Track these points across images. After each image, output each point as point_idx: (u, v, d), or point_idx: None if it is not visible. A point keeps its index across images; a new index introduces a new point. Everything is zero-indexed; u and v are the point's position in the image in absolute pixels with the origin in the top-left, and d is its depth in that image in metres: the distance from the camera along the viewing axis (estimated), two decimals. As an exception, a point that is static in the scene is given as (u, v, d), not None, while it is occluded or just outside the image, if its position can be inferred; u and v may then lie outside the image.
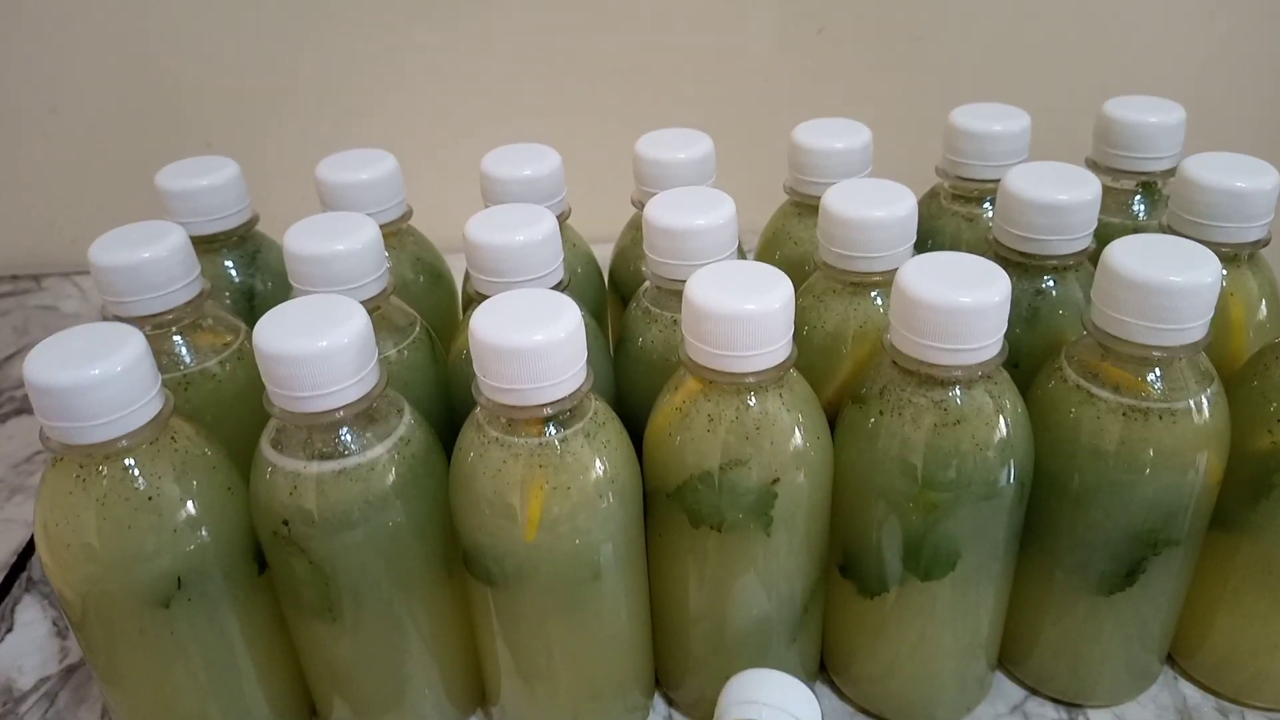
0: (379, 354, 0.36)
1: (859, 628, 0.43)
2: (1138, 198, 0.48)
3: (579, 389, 0.35)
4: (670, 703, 0.46)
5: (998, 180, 0.43)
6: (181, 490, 0.36)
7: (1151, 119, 0.47)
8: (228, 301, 0.49)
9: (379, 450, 0.36)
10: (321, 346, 0.34)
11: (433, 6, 0.73)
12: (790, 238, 0.50)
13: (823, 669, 0.46)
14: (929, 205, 0.50)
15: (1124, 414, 0.37)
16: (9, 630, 0.50)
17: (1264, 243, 0.42)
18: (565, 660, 0.40)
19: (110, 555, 0.35)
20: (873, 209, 0.40)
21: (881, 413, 0.38)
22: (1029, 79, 0.71)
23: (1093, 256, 0.39)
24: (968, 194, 0.49)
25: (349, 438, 0.36)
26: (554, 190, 0.49)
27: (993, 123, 0.47)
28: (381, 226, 0.43)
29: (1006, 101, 0.49)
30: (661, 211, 0.41)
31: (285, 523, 0.36)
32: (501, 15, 0.74)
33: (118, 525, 0.35)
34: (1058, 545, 0.41)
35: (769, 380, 0.36)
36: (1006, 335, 0.36)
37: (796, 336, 0.37)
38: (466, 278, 0.44)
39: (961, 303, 0.34)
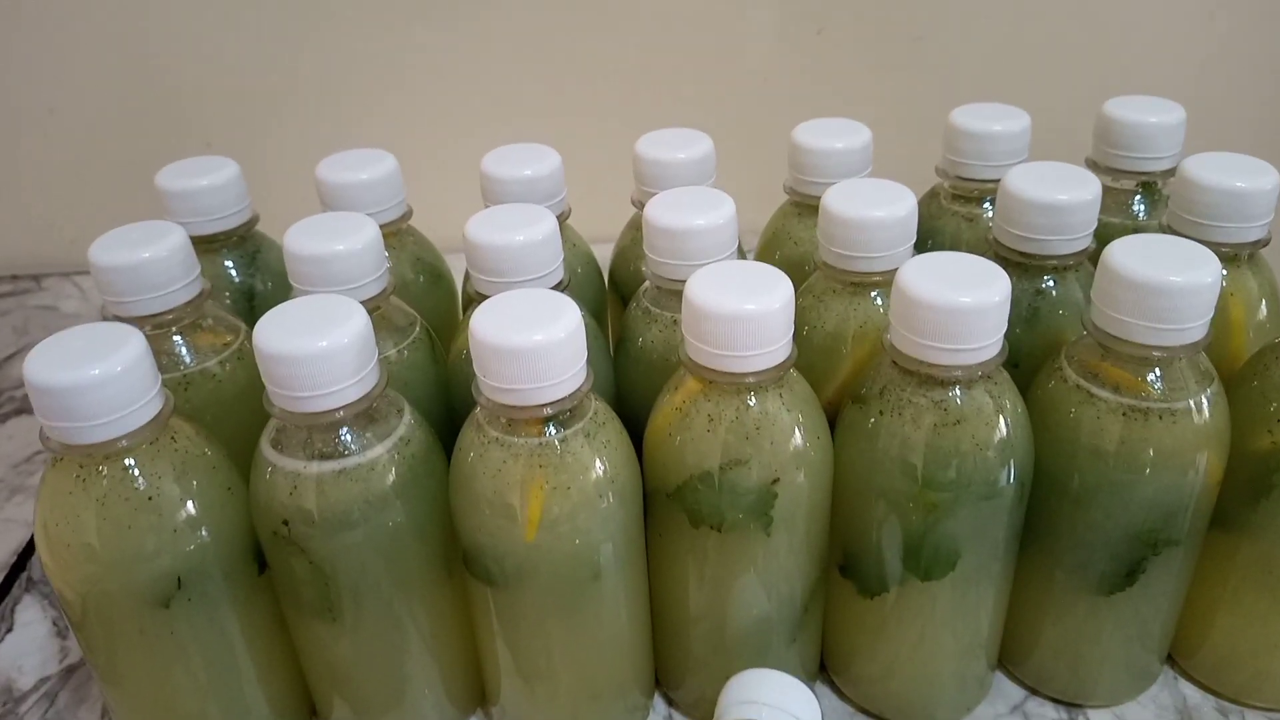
0: (379, 354, 0.36)
1: (859, 628, 0.43)
2: (1138, 198, 0.48)
3: (579, 389, 0.35)
4: (670, 703, 0.46)
5: (998, 180, 0.43)
6: (181, 490, 0.36)
7: (1151, 119, 0.47)
8: (228, 301, 0.49)
9: (379, 450, 0.36)
10: (321, 347, 0.34)
11: (432, 7, 0.73)
12: (790, 238, 0.50)
13: (823, 669, 0.46)
14: (929, 205, 0.50)
15: (1124, 414, 0.37)
16: (9, 630, 0.50)
17: (1264, 243, 0.42)
18: (565, 660, 0.40)
19: (110, 555, 0.35)
20: (873, 209, 0.40)
21: (881, 413, 0.38)
22: (1029, 79, 0.71)
23: (1093, 256, 0.39)
24: (968, 194, 0.49)
25: (349, 438, 0.36)
26: (554, 190, 0.49)
27: (993, 123, 0.47)
28: (381, 226, 0.43)
29: (1006, 101, 0.49)
30: (661, 211, 0.41)
31: (285, 523, 0.36)
32: (501, 15, 0.74)
33: (118, 525, 0.35)
34: (1058, 545, 0.41)
35: (769, 380, 0.36)
36: (1006, 335, 0.36)
37: (796, 336, 0.37)
38: (466, 278, 0.44)
39: (961, 303, 0.34)
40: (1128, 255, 0.36)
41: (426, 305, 0.49)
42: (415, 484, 0.37)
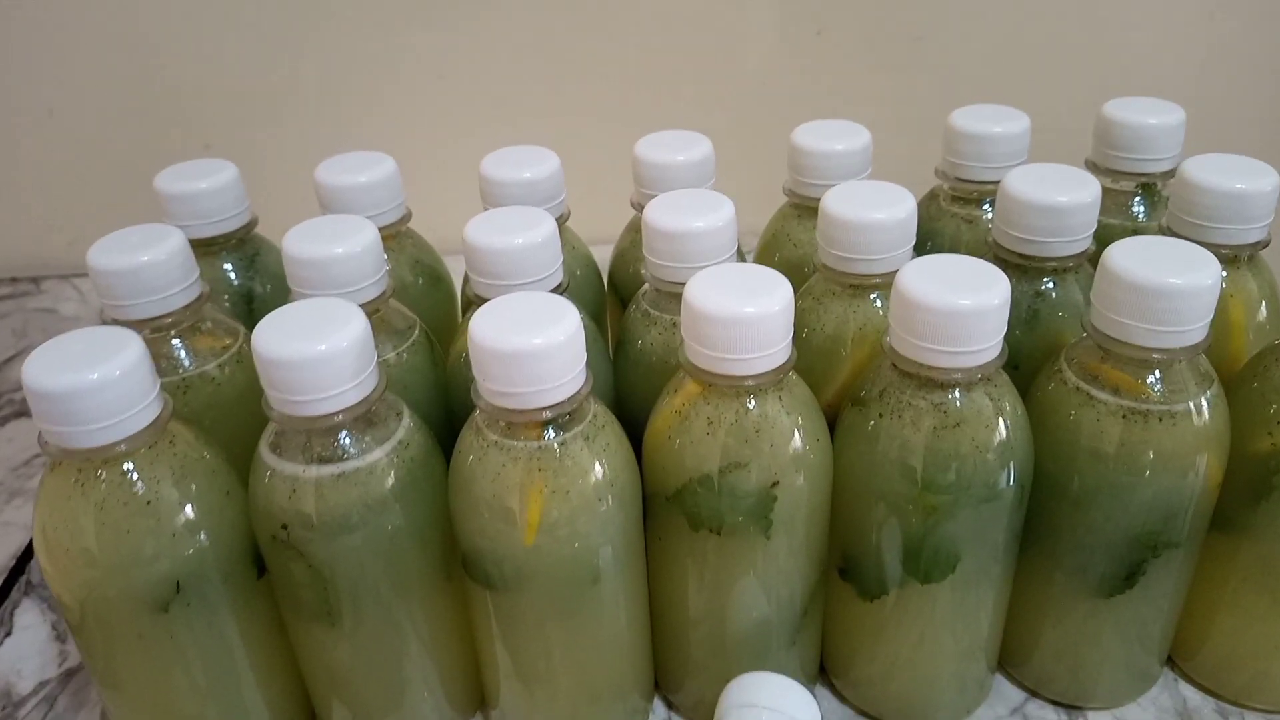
0: (378, 357, 0.36)
1: (859, 630, 0.43)
2: (1137, 199, 0.48)
3: (578, 392, 0.35)
4: (670, 706, 0.46)
5: (997, 182, 0.43)
6: (180, 494, 0.36)
7: (1151, 120, 0.46)
8: (226, 304, 0.49)
9: (378, 454, 0.36)
10: (320, 350, 0.34)
11: (431, 9, 0.73)
12: (790, 239, 0.50)
13: (822, 672, 0.46)
14: (928, 207, 0.50)
15: (1124, 416, 0.37)
16: (8, 634, 0.50)
17: (1264, 244, 0.42)
18: (565, 664, 0.40)
19: (109, 560, 0.35)
20: (872, 211, 0.40)
21: (881, 415, 0.38)
22: (1028, 80, 0.71)
23: (1092, 258, 0.39)
24: (967, 196, 0.49)
25: (348, 441, 0.36)
26: (553, 192, 0.49)
27: (992, 124, 0.47)
28: (381, 229, 0.43)
29: (1006, 103, 0.49)
30: (661, 214, 0.41)
31: (284, 526, 0.36)
32: (500, 17, 0.74)
33: (116, 530, 0.35)
34: (1058, 547, 0.41)
35: (768, 383, 0.36)
36: (1006, 337, 0.36)
37: (796, 339, 0.37)
38: (466, 280, 0.44)
39: (961, 305, 0.34)
40: (1127, 257, 0.36)
41: (426, 308, 0.49)
42: (414, 488, 0.37)
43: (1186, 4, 0.74)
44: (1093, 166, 0.48)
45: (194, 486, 0.36)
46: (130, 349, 0.34)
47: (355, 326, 0.35)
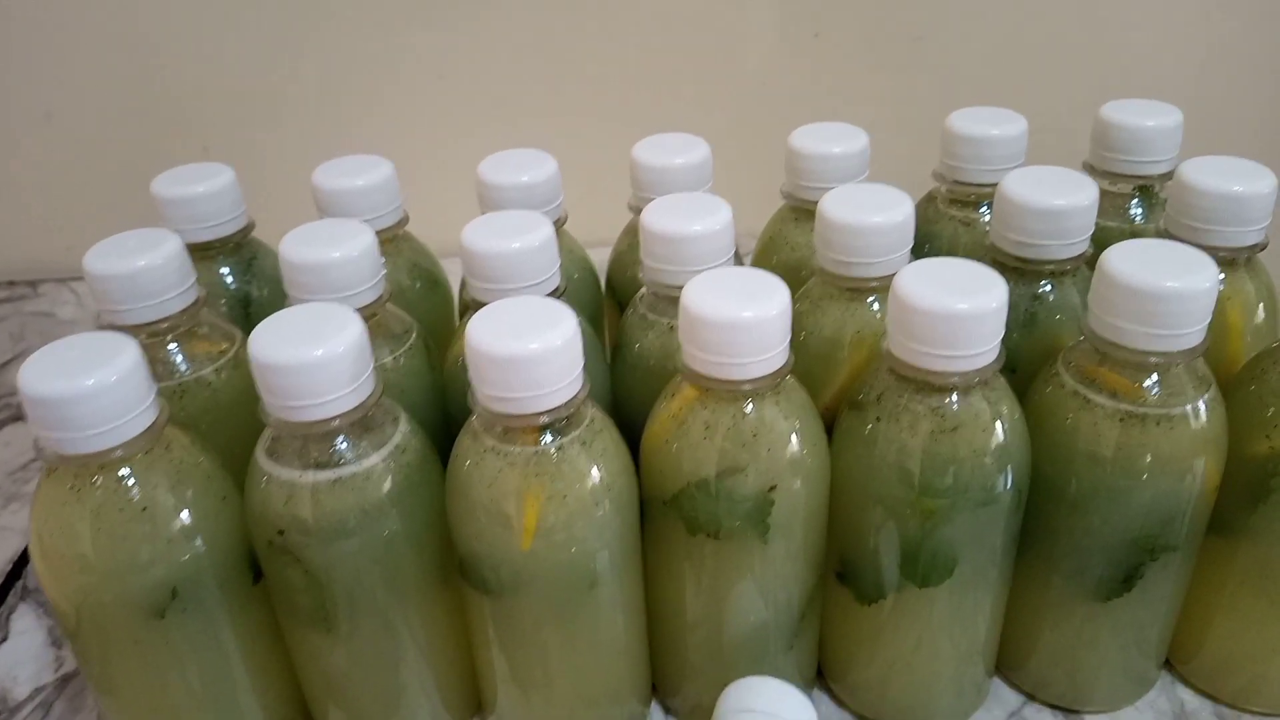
0: (375, 361, 0.36)
1: (856, 634, 0.43)
2: (1135, 201, 0.48)
3: (575, 397, 0.35)
4: (667, 710, 0.46)
5: (995, 184, 0.43)
6: (176, 500, 0.35)
7: (1148, 122, 0.46)
8: (223, 308, 0.49)
9: (375, 459, 0.36)
10: (317, 356, 0.34)
11: (428, 12, 0.73)
12: (787, 242, 0.50)
13: (820, 676, 0.46)
14: (926, 209, 0.50)
15: (1121, 419, 0.37)
16: (4, 639, 0.50)
17: (1261, 247, 0.42)
18: (562, 668, 0.40)
19: (105, 566, 0.35)
20: (870, 214, 0.40)
21: (879, 419, 0.38)
22: (1026, 83, 0.71)
23: (1090, 261, 0.39)
24: (965, 198, 0.49)
25: (345, 446, 0.36)
26: (551, 196, 0.49)
27: (990, 127, 0.47)
28: (378, 232, 0.43)
29: (1004, 105, 0.49)
30: (658, 217, 0.41)
31: (280, 532, 0.36)
32: (498, 20, 0.74)
33: (112, 536, 0.35)
34: (1055, 551, 0.41)
35: (766, 387, 0.36)
36: (1003, 340, 0.36)
37: (793, 342, 0.36)
38: (463, 283, 0.44)
39: (959, 309, 0.34)
40: (1125, 261, 0.36)
41: (423, 311, 0.49)
42: (411, 493, 0.37)
43: (1184, 6, 0.74)
44: (1090, 169, 0.48)
45: (190, 492, 0.36)
46: (126, 354, 0.34)
47: (352, 331, 0.35)
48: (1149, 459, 0.37)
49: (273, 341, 0.34)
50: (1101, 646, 0.42)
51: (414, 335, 0.44)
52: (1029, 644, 0.44)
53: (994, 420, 0.37)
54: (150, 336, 0.40)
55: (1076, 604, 0.41)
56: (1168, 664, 0.46)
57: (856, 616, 0.42)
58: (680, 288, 0.36)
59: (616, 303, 0.53)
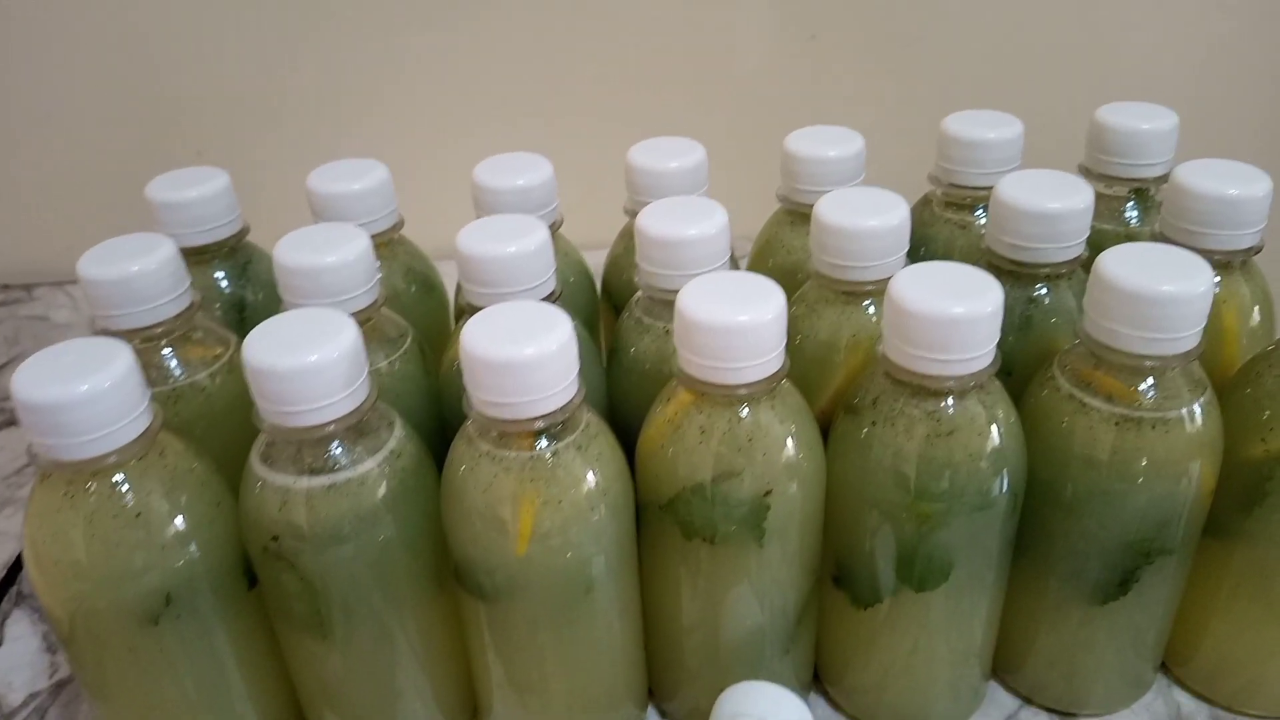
0: (370, 366, 0.36)
1: (853, 638, 0.43)
2: (1130, 204, 0.48)
3: (570, 402, 0.35)
4: (663, 715, 0.46)
5: (990, 187, 0.43)
6: (170, 506, 0.35)
7: (1144, 125, 0.46)
8: (218, 313, 0.49)
9: (370, 464, 0.36)
10: (311, 361, 0.33)
11: (423, 16, 0.73)
12: (783, 246, 0.50)
13: (816, 680, 0.46)
14: (922, 212, 0.50)
15: (1117, 423, 0.37)
16: (-1, 644, 0.50)
17: (1256, 250, 0.42)
18: (557, 673, 0.40)
19: (99, 572, 0.35)
20: (865, 218, 0.40)
21: (874, 423, 0.38)
22: (1022, 85, 0.71)
23: (1085, 264, 0.39)
24: (960, 201, 0.49)
25: (339, 452, 0.36)
26: (546, 200, 0.48)
27: (985, 130, 0.47)
28: (373, 236, 0.43)
29: (999, 108, 0.49)
30: (654, 221, 0.41)
31: (275, 538, 0.36)
32: (494, 24, 0.74)
33: (106, 542, 0.34)
34: (1051, 554, 0.41)
35: (761, 392, 0.36)
36: (999, 344, 0.36)
37: (789, 346, 0.36)
38: (459, 287, 0.44)
39: (954, 313, 0.34)
40: (1120, 264, 0.36)
41: (418, 315, 0.49)
42: (406, 498, 0.37)
43: (1179, 9, 0.75)
44: (1086, 172, 0.48)
45: (184, 498, 0.36)
46: (120, 360, 0.34)
47: (346, 336, 0.35)
48: (1144, 462, 0.37)
49: (267, 347, 0.34)
50: (1098, 649, 0.42)
51: (409, 340, 0.44)
52: (1025, 647, 0.44)
53: (989, 424, 0.37)
54: (144, 341, 0.40)
55: (1073, 607, 0.41)
56: (1164, 667, 0.46)
57: (853, 620, 0.42)
58: (676, 292, 0.36)
59: (612, 306, 0.53)
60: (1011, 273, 0.42)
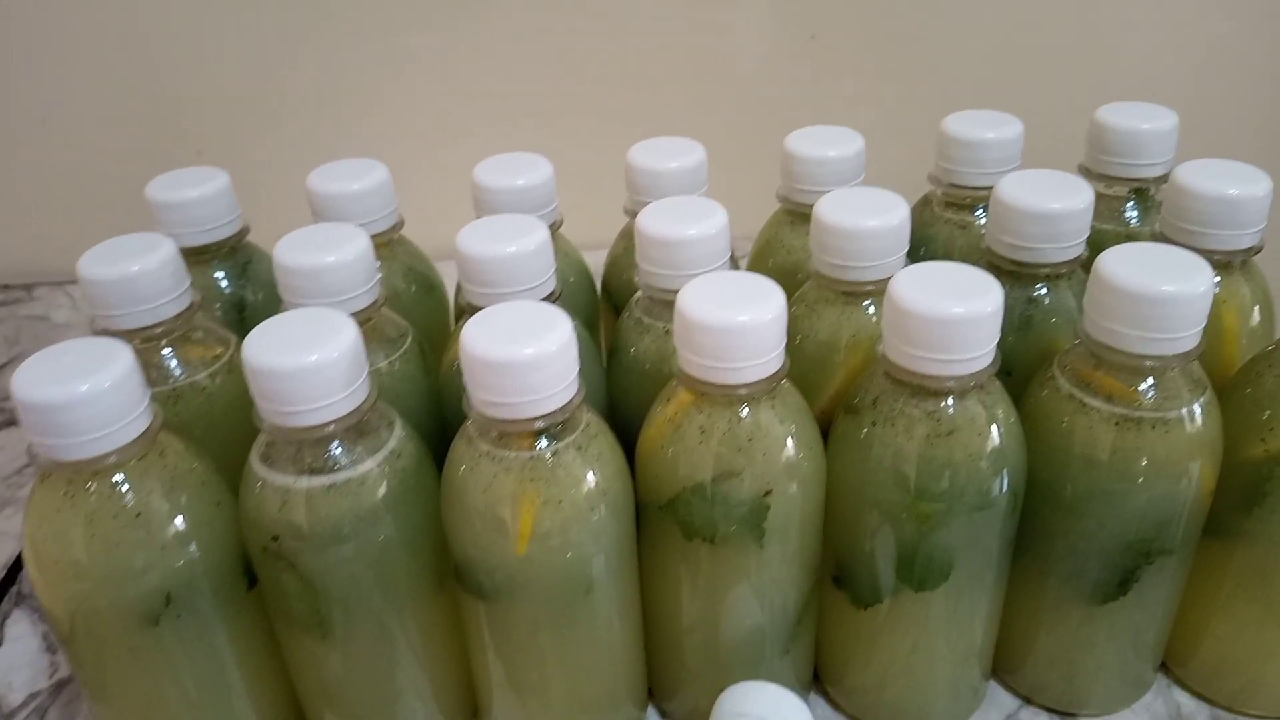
0: (370, 366, 0.36)
1: (853, 638, 0.43)
2: (1130, 204, 0.48)
3: (570, 402, 0.35)
4: (663, 715, 0.46)
5: (990, 187, 0.43)
6: (170, 506, 0.35)
7: (1144, 125, 0.46)
8: (218, 313, 0.49)
9: (370, 464, 0.36)
10: (311, 361, 0.33)
11: (423, 16, 0.73)
12: (783, 246, 0.50)
13: (816, 680, 0.46)
14: (922, 212, 0.50)
15: (1117, 423, 0.37)
16: (-1, 644, 0.50)
17: (1256, 250, 0.42)
18: (557, 673, 0.40)
19: (99, 572, 0.35)
20: (865, 218, 0.40)
21: (874, 423, 0.38)
22: (1022, 86, 0.71)
23: (1085, 264, 0.39)
24: (960, 201, 0.49)
25: (339, 452, 0.36)
26: (546, 200, 0.48)
27: (985, 130, 0.47)
28: (373, 236, 0.43)
29: (1000, 108, 0.49)
30: (653, 221, 0.41)
31: (275, 538, 0.36)
32: (493, 24, 0.74)
33: (106, 542, 0.34)
34: (1051, 554, 0.41)
35: (761, 392, 0.36)
36: (999, 344, 0.36)
37: (789, 346, 0.36)
38: (459, 287, 0.44)
39: (954, 313, 0.34)
40: (1120, 264, 0.36)
41: (418, 315, 0.49)
42: (406, 498, 0.37)
43: (1179, 9, 0.75)
44: (1086, 172, 0.48)
45: (184, 498, 0.36)
46: (120, 360, 0.34)
47: (346, 336, 0.35)
48: (1144, 462, 0.37)
49: (267, 347, 0.34)
50: (1098, 650, 0.42)
51: (409, 340, 0.44)
52: (1025, 647, 0.44)
53: (989, 424, 0.37)
54: (144, 341, 0.40)
55: (1073, 607, 0.41)
56: (1164, 667, 0.46)
57: (853, 620, 0.42)
58: (676, 292, 0.36)
59: (612, 306, 0.53)
60: (1011, 273, 0.42)
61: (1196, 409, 0.37)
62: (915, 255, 0.43)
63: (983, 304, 0.35)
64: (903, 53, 0.77)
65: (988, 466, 0.37)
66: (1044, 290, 0.42)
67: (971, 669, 0.43)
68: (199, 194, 0.46)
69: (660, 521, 0.38)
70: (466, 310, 0.41)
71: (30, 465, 0.61)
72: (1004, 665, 0.45)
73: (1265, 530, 0.40)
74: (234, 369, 0.42)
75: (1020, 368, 0.42)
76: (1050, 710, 0.45)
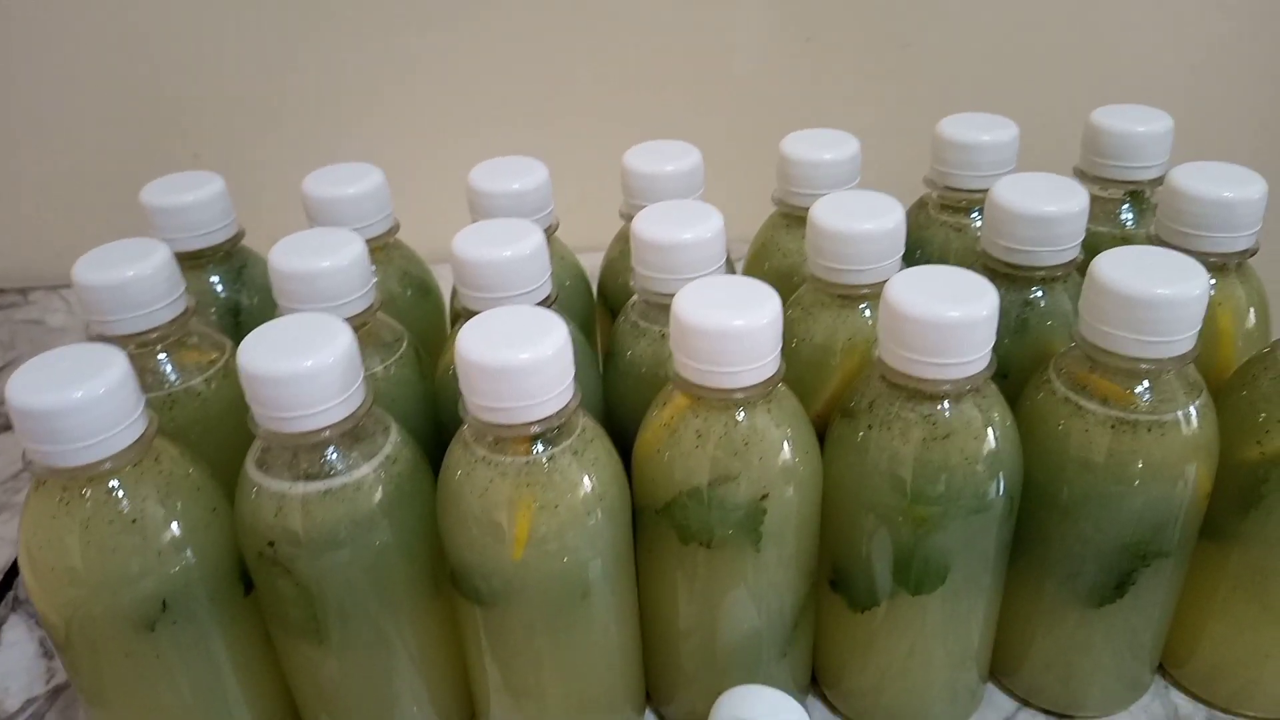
0: (365, 370, 0.36)
1: (850, 642, 0.43)
2: (1125, 206, 0.48)
3: (566, 406, 0.35)
4: (661, 719, 0.46)
5: (986, 190, 0.43)
6: (166, 512, 0.35)
7: (1139, 128, 0.47)
8: (213, 317, 0.48)
9: (365, 470, 0.36)
10: (306, 367, 0.33)
11: (421, 19, 0.73)
12: (779, 249, 0.50)
13: (814, 683, 0.46)
14: (917, 215, 0.50)
15: (1113, 426, 0.37)
16: (-5, 650, 0.50)
17: (1251, 252, 0.42)
18: (554, 678, 0.40)
19: (94, 578, 0.35)
20: (861, 222, 0.40)
21: (870, 427, 0.38)
22: (1017, 88, 0.71)
23: (1081, 267, 0.39)
24: (956, 204, 0.49)
25: (335, 457, 0.36)
26: (542, 204, 0.48)
27: (980, 133, 0.47)
28: (368, 240, 0.43)
29: (995, 110, 0.49)
30: (649, 225, 0.41)
31: (271, 543, 0.36)
32: (489, 27, 0.74)
33: (101, 548, 0.34)
34: (1048, 557, 0.41)
35: (757, 395, 0.36)
36: (995, 347, 0.36)
37: (785, 349, 0.36)
38: (454, 291, 0.44)
39: (949, 317, 0.34)
40: (1116, 267, 0.36)
41: (414, 319, 0.49)
42: (402, 503, 0.37)
43: (1175, 11, 0.75)
44: (1081, 174, 0.48)
45: (180, 504, 0.36)
46: (115, 367, 0.34)
47: (341, 342, 0.35)
48: (1140, 465, 0.37)
49: (262, 352, 0.34)
50: (1095, 652, 0.42)
51: (405, 344, 0.44)
52: (1022, 650, 0.44)
53: (986, 427, 0.37)
54: (139, 346, 0.40)
55: (1069, 610, 0.41)
56: (1161, 669, 0.46)
57: (850, 624, 0.42)
58: (672, 295, 0.36)
59: (608, 310, 0.53)
60: (1007, 276, 0.42)
61: (1192, 412, 0.37)
62: (911, 258, 0.43)
63: (978, 307, 0.35)
64: (898, 56, 0.77)
65: (984, 470, 0.37)
66: (1039, 293, 0.42)
67: (969, 672, 0.43)
68: (194, 199, 0.46)
69: (657, 526, 0.38)
70: (462, 314, 0.41)
71: (25, 471, 0.61)
72: (1001, 668, 0.45)
73: (1261, 532, 0.41)
74: (229, 374, 0.42)
75: (1016, 371, 0.42)
76: (1048, 712, 0.45)
